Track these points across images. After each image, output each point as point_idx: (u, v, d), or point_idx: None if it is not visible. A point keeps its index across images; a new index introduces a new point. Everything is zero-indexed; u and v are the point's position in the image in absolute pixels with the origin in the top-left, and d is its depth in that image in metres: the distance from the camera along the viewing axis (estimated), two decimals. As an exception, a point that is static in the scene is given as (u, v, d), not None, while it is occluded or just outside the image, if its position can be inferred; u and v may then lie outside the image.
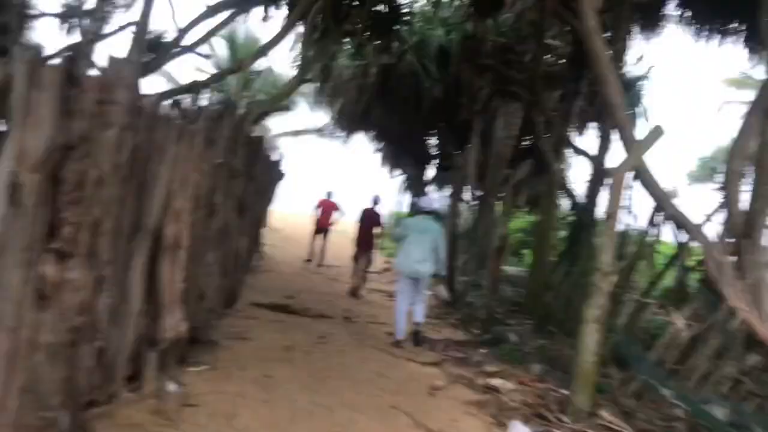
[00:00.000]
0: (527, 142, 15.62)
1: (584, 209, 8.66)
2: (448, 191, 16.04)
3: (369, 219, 11.90)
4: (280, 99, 8.78)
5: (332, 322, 8.78)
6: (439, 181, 17.05)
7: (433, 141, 17.28)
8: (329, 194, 15.97)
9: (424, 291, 8.11)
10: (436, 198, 16.70)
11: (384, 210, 11.80)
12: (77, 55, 3.16)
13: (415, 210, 8.76)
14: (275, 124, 24.44)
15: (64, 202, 3.20)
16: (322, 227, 15.73)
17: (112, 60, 3.56)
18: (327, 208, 15.79)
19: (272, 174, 12.83)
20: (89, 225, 3.43)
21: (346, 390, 5.51)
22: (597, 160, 8.65)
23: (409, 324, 7.99)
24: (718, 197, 7.24)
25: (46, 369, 3.28)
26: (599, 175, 8.63)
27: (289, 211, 28.11)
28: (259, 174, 10.59)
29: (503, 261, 8.81)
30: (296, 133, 22.79)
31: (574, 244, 8.67)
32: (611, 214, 5.25)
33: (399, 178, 19.37)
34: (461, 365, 7.11)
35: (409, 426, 4.84)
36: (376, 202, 12.21)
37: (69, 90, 3.17)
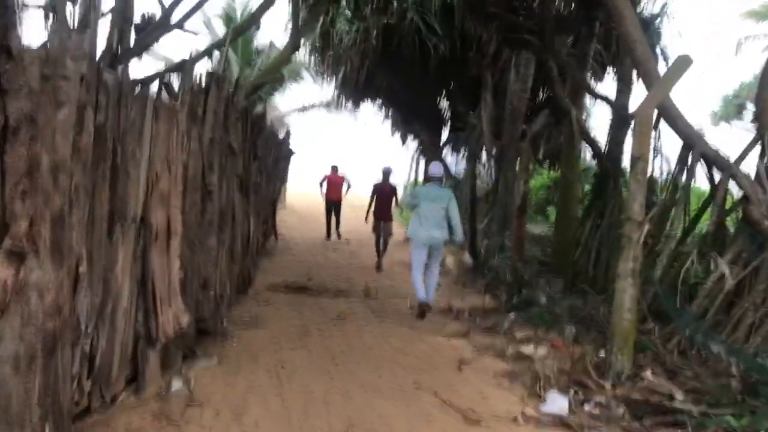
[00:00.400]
0: (543, 94, 15.00)
1: (608, 158, 8.10)
2: (463, 153, 15.51)
3: (383, 192, 11.79)
4: (274, 69, 8.32)
5: (351, 299, 8.40)
6: (454, 143, 16.49)
7: (443, 103, 16.69)
8: (334, 168, 15.92)
9: (438, 259, 8.09)
10: (445, 164, 16.27)
11: (397, 179, 11.27)
12: (9, 26, 2.69)
13: (426, 177, 8.34)
14: (282, 101, 24.00)
15: (12, 194, 2.80)
16: (331, 201, 15.65)
17: (56, 29, 3.12)
18: (333, 182, 15.72)
19: (280, 152, 12.41)
20: (50, 218, 3.04)
21: (366, 371, 5.13)
22: (618, 104, 8.05)
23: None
24: (749, 134, 6.66)
25: (16, 383, 2.92)
26: (622, 119, 8.05)
27: (304, 190, 27.81)
28: (263, 152, 10.20)
29: (526, 220, 8.30)
30: (303, 109, 22.30)
31: (600, 196, 8.13)
32: (639, 158, 4.73)
33: (411, 145, 18.86)
34: (489, 334, 6.70)
35: (434, 405, 4.45)
36: (387, 174, 12.03)
37: (1, 65, 2.75)
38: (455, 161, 16.66)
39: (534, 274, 9.57)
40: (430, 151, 17.40)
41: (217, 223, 6.12)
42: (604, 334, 6.14)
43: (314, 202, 23.19)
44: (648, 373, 4.62)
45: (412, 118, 16.74)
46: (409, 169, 23.04)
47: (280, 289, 8.59)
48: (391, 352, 5.78)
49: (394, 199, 11.96)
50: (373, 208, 11.85)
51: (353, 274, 10.66)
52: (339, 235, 15.75)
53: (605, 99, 8.41)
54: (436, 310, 8.02)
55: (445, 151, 16.76)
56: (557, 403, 4.28)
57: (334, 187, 15.70)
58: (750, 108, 27.98)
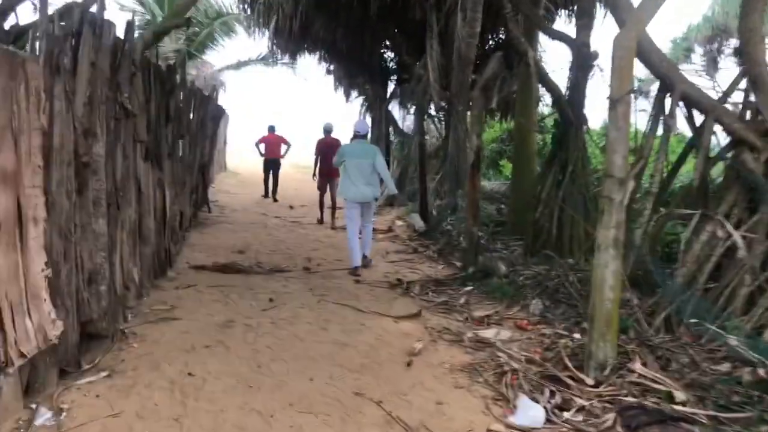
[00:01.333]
0: (492, 40, 13.98)
1: (569, 103, 7.20)
2: (411, 107, 14.47)
3: (326, 148, 11.31)
4: (183, 11, 7.05)
5: (289, 276, 7.40)
6: (401, 97, 15.40)
7: (388, 53, 15.52)
8: (271, 128, 15.81)
9: (371, 215, 8.29)
10: (391, 120, 15.22)
11: (343, 137, 11.39)
12: None
13: (353, 135, 8.37)
14: (215, 58, 22.34)
15: None
16: (268, 161, 15.67)
17: None
18: (271, 142, 15.63)
19: (206, 111, 11.14)
20: None
21: (296, 377, 4.17)
22: (579, 42, 7.11)
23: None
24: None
25: None
26: (584, 59, 7.12)
27: (246, 151, 26.41)
28: (182, 112, 8.96)
29: (480, 177, 7.38)
30: (239, 65, 20.74)
31: (561, 148, 7.26)
32: (619, 100, 3.81)
33: (357, 100, 17.67)
34: (444, 312, 5.81)
35: (378, 424, 3.52)
36: (328, 130, 11.74)
37: None
38: (403, 116, 15.62)
39: (490, 238, 8.76)
40: (375, 105, 16.28)
41: (110, 202, 4.99)
42: (575, 308, 5.35)
43: (256, 163, 21.94)
44: (637, 365, 3.79)
45: (356, 70, 15.53)
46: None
47: (207, 269, 7.52)
48: (328, 347, 4.83)
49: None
50: (319, 166, 11.61)
51: (294, 244, 9.65)
52: (275, 199, 15.63)
53: (564, 37, 7.45)
54: (384, 282, 7.12)
55: (391, 105, 15.67)
56: (530, 413, 3.42)
57: (271, 146, 15.58)
58: (698, 51, 27.62)
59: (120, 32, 5.35)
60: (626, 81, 3.78)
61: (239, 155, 26.72)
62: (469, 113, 12.29)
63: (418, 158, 10.41)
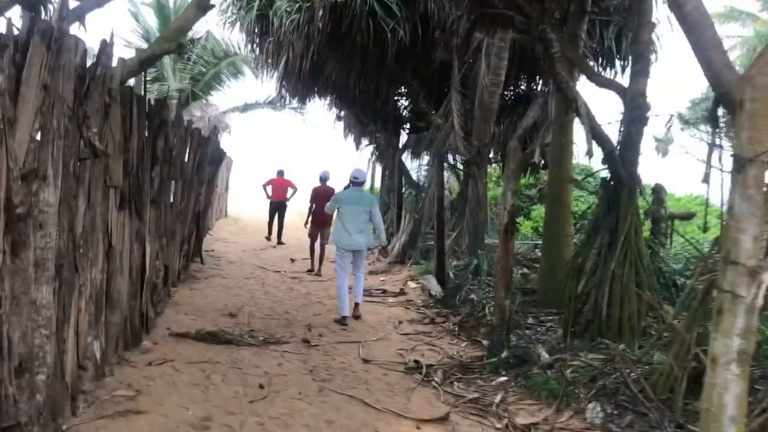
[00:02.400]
0: (516, 89, 13.14)
1: (621, 161, 6.17)
2: (426, 158, 13.54)
3: (321, 196, 11.16)
4: (175, 36, 6.17)
5: (285, 351, 6.24)
6: (414, 147, 14.50)
7: (402, 101, 14.68)
8: (281, 172, 15.90)
9: (363, 263, 8.22)
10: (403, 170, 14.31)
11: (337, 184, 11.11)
12: None
13: (349, 182, 8.25)
14: (220, 100, 21.60)
15: None
16: (275, 203, 15.72)
17: None
18: (278, 185, 15.73)
19: (204, 154, 10.18)
20: None
21: None
22: (634, 90, 6.13)
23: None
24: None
25: None
26: (637, 112, 6.13)
27: (249, 196, 25.46)
28: (174, 154, 7.98)
29: (514, 242, 6.31)
30: (245, 107, 19.99)
31: (610, 212, 6.21)
32: (752, 160, 2.76)
33: (366, 149, 16.79)
34: (477, 414, 4.65)
35: None
36: (325, 178, 11.69)
37: None
38: (417, 167, 14.64)
39: (518, 309, 7.63)
40: (387, 154, 15.37)
41: (62, 263, 3.92)
42: (645, 417, 4.19)
43: (260, 208, 20.95)
44: None
45: (368, 118, 14.67)
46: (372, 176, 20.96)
47: (190, 337, 6.38)
48: (332, 468, 3.67)
49: None
50: (313, 214, 11.52)
51: (293, 306, 8.51)
52: (280, 242, 15.66)
53: (614, 85, 6.48)
54: (398, 363, 5.98)
55: (404, 155, 14.73)
56: None
57: (279, 189, 15.68)
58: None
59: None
60: (764, 133, 2.74)
61: (242, 200, 25.75)
62: (483, 167, 11.34)
63: (436, 213, 9.36)
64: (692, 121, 30.22)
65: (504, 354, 5.73)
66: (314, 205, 11.39)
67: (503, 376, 5.43)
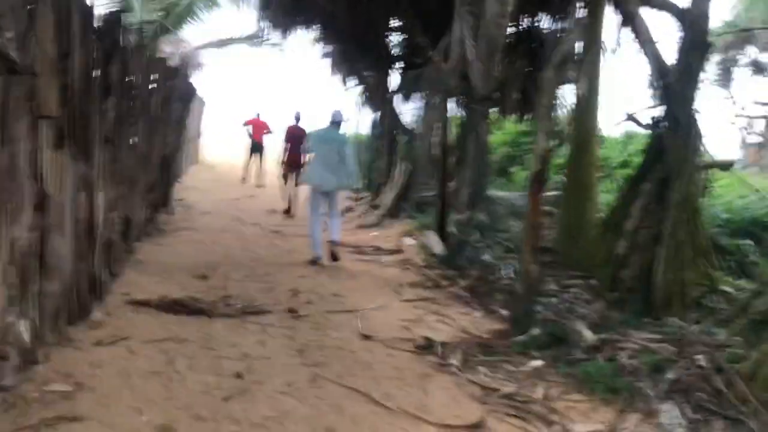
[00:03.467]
0: (518, 26, 11.82)
1: (676, 99, 5.06)
2: (422, 99, 12.27)
3: (293, 137, 11.19)
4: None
5: (267, 324, 5.16)
6: (408, 87, 13.20)
7: (395, 37, 13.29)
8: (258, 114, 16.19)
9: (337, 204, 8.08)
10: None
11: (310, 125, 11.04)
12: None
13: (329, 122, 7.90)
14: (193, 34, 19.85)
15: None
16: (255, 143, 16.02)
17: None
18: (258, 125, 15.99)
19: (172, 90, 8.86)
20: None
21: None
22: (695, 13, 4.98)
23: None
24: None
25: None
26: (698, 38, 5.00)
27: (224, 140, 24.05)
28: (134, 86, 6.73)
29: (542, 196, 5.21)
30: (222, 43, 18.36)
31: (659, 158, 5.15)
32: None
33: (356, 89, 15.39)
34: (517, 416, 3.64)
35: None
36: (298, 118, 11.56)
37: None
38: (412, 112, 13.31)
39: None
40: (376, 97, 14.04)
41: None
42: (742, 426, 3.21)
43: (235, 155, 19.62)
44: None
45: (357, 54, 13.27)
46: (352, 118, 19.57)
47: (152, 306, 5.28)
48: None
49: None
50: (284, 155, 11.46)
51: (275, 266, 7.42)
52: (259, 185, 15.85)
53: (672, 7, 5.31)
54: (405, 341, 4.95)
55: (396, 99, 13.40)
56: None
57: (258, 129, 15.96)
58: (713, 59, 25.66)
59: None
60: None
61: (217, 146, 24.30)
62: (486, 108, 10.15)
63: (438, 159, 8.22)
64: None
65: (535, 331, 4.71)
66: (289, 145, 11.32)
67: (536, 359, 4.43)
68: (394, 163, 12.13)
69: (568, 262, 6.73)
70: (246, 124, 15.95)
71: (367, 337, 4.98)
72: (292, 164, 11.06)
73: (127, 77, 6.23)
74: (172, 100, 8.82)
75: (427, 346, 4.75)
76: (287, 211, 11.57)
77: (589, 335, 4.47)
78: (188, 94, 10.49)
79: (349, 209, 12.71)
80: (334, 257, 7.48)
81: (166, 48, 18.80)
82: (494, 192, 11.93)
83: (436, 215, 8.35)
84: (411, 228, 9.66)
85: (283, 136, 11.65)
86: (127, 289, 5.73)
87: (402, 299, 6.32)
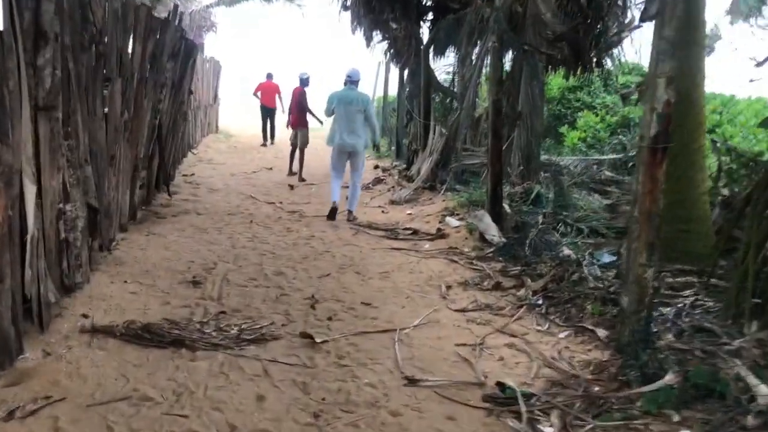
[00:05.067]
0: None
1: None
2: (459, 53, 10.48)
3: (295, 97, 11.50)
4: None
5: (271, 360, 3.66)
6: (442, 40, 11.42)
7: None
8: (269, 76, 16.08)
9: (360, 167, 7.99)
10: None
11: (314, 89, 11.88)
12: None
13: (344, 81, 7.81)
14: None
15: None
16: (266, 108, 16.09)
17: None
18: (268, 89, 15.96)
19: (163, 46, 7.29)
20: None
21: None
22: None
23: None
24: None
25: None
26: None
27: (241, 109, 22.54)
28: (117, 38, 5.24)
29: (661, 173, 3.55)
30: (231, 1, 16.68)
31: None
32: None
33: (380, 46, 13.64)
34: None
35: None
36: (302, 80, 11.41)
37: None
38: (455, 66, 11.46)
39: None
40: (405, 52, 12.28)
41: None
42: None
43: (255, 123, 18.13)
44: None
45: (381, 3, 11.51)
46: (376, 80, 17.80)
47: (113, 335, 3.82)
48: None
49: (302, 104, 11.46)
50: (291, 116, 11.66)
51: (291, 260, 5.94)
52: (272, 142, 16.45)
53: None
54: (468, 385, 3.42)
55: (430, 54, 11.61)
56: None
57: (269, 94, 15.93)
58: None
59: None
60: None
61: (235, 113, 22.78)
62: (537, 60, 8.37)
63: (491, 127, 6.55)
64: (745, 12, 26.52)
65: (669, 378, 3.11)
66: (291, 106, 11.68)
67: (680, 424, 2.85)
68: (430, 127, 10.44)
69: (672, 251, 5.07)
70: (256, 91, 16.11)
71: (412, 382, 3.45)
72: (292, 125, 11.47)
73: (84, 26, 4.70)
74: (161, 58, 7.26)
75: (502, 400, 3.21)
76: (291, 172, 11.57)
77: (764, 390, 2.87)
78: (186, 52, 8.91)
79: (378, 181, 11.13)
80: (350, 220, 7.74)
81: (173, 7, 17.28)
82: (546, 157, 10.26)
83: (487, 189, 6.71)
84: (454, 204, 8.05)
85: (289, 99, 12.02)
86: (89, 306, 4.31)
87: (453, 308, 4.76)
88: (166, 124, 8.07)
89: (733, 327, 3.77)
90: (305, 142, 11.29)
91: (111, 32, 5.55)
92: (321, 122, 11.41)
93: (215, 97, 17.96)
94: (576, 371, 3.56)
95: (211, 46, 20.28)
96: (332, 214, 7.71)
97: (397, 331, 4.19)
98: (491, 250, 6.03)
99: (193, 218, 7.49)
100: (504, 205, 6.85)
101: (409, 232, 7.22)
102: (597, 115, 13.29)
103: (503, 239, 6.10)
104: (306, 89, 11.46)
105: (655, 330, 3.76)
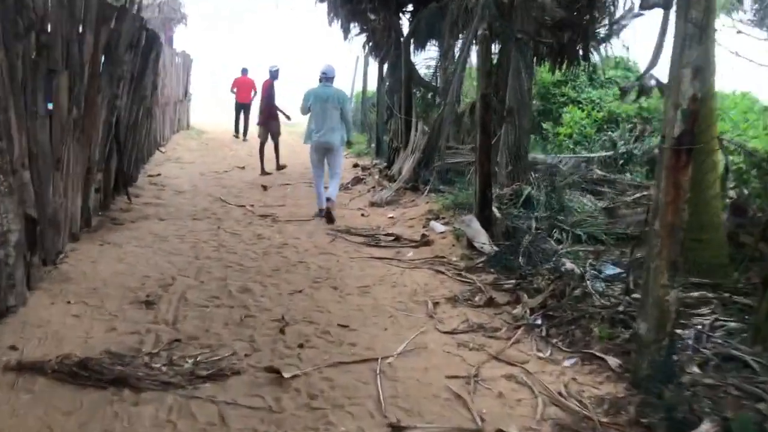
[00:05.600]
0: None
1: None
2: (443, 46, 9.92)
3: (264, 91, 11.26)
4: None
5: (230, 402, 3.09)
6: (423, 34, 10.85)
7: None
8: (244, 71, 16.12)
9: (337, 161, 7.86)
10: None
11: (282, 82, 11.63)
12: None
13: (319, 78, 7.72)
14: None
15: None
16: (239, 104, 16.12)
17: None
18: (243, 84, 16.00)
19: (117, 37, 6.63)
20: None
21: None
22: None
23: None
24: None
25: None
26: None
27: (213, 105, 21.82)
28: (63, 26, 4.61)
29: (686, 179, 3.04)
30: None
31: None
32: None
33: (358, 38, 13.04)
34: None
35: None
36: (271, 73, 11.26)
37: None
38: (436, 60, 10.90)
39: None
40: (384, 44, 11.70)
41: None
42: None
43: (228, 120, 17.48)
44: None
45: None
46: (354, 75, 17.21)
47: (44, 374, 3.23)
48: None
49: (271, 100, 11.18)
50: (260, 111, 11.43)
51: (259, 273, 5.34)
52: (244, 138, 16.18)
53: None
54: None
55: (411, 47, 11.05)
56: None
57: (244, 89, 15.94)
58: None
59: None
60: None
61: (207, 109, 22.02)
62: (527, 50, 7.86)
63: (480, 122, 6.02)
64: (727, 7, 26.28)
65: (705, 427, 2.60)
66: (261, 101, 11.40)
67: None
68: (412, 124, 9.88)
69: (683, 263, 4.58)
70: (232, 87, 16.09)
71: (397, 429, 2.90)
72: (260, 117, 11.20)
73: (19, 11, 4.08)
74: (118, 50, 6.61)
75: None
76: (265, 172, 11.06)
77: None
78: (147, 44, 8.24)
79: (358, 180, 10.55)
80: (329, 218, 7.40)
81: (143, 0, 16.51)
82: (533, 156, 9.75)
83: (475, 191, 6.18)
84: (439, 207, 7.52)
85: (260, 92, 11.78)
86: (21, 334, 3.71)
87: (442, 329, 4.22)
88: (125, 121, 7.42)
89: (765, 355, 3.29)
90: (277, 132, 11.11)
91: (55, 20, 4.94)
92: (288, 117, 11.18)
93: (186, 92, 17.25)
94: (588, 411, 3.04)
95: (183, 40, 19.54)
96: (330, 217, 7.43)
97: (379, 360, 3.64)
98: (481, 259, 5.48)
99: (153, 225, 6.86)
100: (493, 208, 6.32)
101: (391, 238, 6.66)
102: (583, 111, 12.83)
103: (494, 247, 5.57)
104: (275, 82, 11.19)
105: (676, 358, 3.26)
